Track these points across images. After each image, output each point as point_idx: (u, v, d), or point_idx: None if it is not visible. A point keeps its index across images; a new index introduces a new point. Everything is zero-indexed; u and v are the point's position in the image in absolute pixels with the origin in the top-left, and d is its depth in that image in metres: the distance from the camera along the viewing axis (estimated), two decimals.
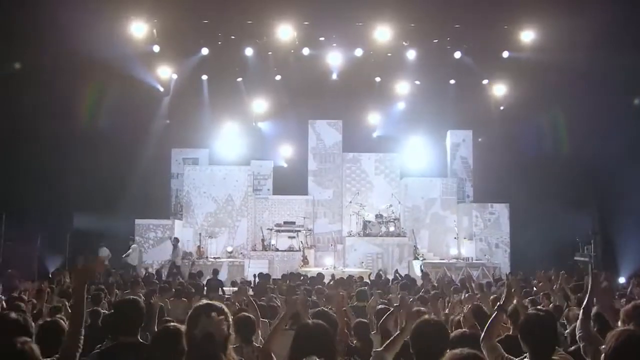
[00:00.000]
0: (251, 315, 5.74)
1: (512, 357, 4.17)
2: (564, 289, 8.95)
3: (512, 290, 4.89)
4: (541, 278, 9.93)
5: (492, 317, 4.57)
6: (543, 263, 18.64)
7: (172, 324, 4.30)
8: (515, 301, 5.58)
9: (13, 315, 4.34)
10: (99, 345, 5.78)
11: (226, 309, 3.45)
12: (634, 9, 17.36)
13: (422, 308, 6.21)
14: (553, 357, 3.99)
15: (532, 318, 4.10)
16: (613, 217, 20.76)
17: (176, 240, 20.58)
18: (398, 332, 4.75)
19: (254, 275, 16.21)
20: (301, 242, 21.46)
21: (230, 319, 3.42)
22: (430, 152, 24.42)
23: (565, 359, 4.16)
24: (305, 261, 20.75)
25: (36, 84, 18.00)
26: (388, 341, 4.70)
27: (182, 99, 23.29)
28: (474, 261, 21.19)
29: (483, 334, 4.39)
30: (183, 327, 3.98)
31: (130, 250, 20.52)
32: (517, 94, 22.51)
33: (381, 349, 4.70)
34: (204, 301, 3.54)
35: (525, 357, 4.06)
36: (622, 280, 17.11)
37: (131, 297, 5.13)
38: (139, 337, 4.69)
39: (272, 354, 4.22)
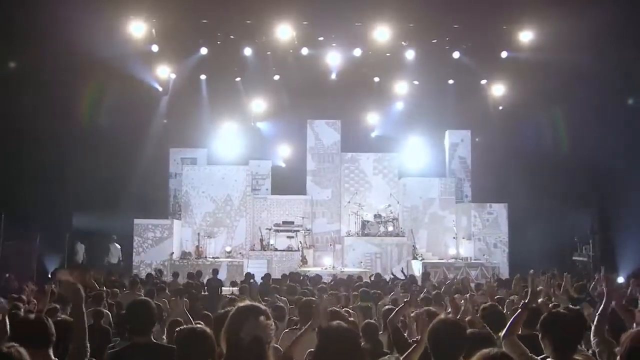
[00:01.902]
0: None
1: (535, 357, 4.17)
2: (567, 291, 8.99)
3: (537, 288, 4.89)
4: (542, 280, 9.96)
5: (516, 315, 4.57)
6: (542, 263, 18.71)
7: (198, 325, 4.32)
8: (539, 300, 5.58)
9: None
10: (111, 345, 5.80)
11: (269, 312, 3.42)
12: (633, 8, 17.42)
13: (432, 308, 6.24)
14: (576, 357, 3.99)
15: (554, 317, 4.09)
16: (612, 217, 20.84)
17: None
18: (415, 343, 4.73)
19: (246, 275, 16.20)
20: (300, 242, 21.46)
21: (273, 323, 3.39)
22: (429, 152, 24.45)
23: (588, 358, 4.16)
24: (304, 261, 20.77)
25: (35, 84, 17.95)
26: (408, 351, 4.68)
27: (180, 99, 23.24)
28: (472, 261, 21.23)
29: (505, 330, 4.39)
30: (207, 329, 3.98)
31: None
32: (516, 94, 22.55)
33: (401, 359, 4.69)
34: (247, 302, 3.49)
35: (546, 356, 4.05)
36: (620, 280, 17.16)
37: (142, 298, 5.18)
38: (152, 338, 4.76)
39: None
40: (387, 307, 7.44)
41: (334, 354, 3.40)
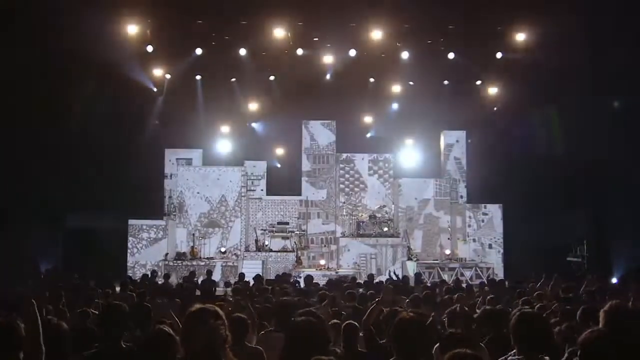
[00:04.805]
0: (244, 317, 5.75)
1: None
2: (557, 291, 9.02)
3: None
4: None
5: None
6: (536, 263, 18.76)
7: (162, 326, 4.30)
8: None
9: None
10: (96, 344, 5.77)
11: (220, 311, 3.43)
12: (625, 10, 17.44)
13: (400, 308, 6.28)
14: (545, 357, 4.00)
15: (523, 317, 4.11)
16: (606, 218, 20.86)
17: None
18: (386, 344, 4.75)
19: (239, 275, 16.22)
20: (295, 242, 21.46)
21: (225, 321, 3.40)
22: (424, 152, 24.43)
23: None
24: (298, 262, 20.77)
25: (29, 83, 17.95)
26: None
27: (175, 99, 23.19)
28: (467, 261, 21.25)
29: None
30: (171, 329, 3.98)
31: None
32: (511, 95, 22.54)
33: None
34: (197, 306, 3.49)
35: (512, 354, 4.07)
36: (614, 280, 17.19)
37: (115, 302, 5.16)
38: (122, 343, 4.74)
39: None
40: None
41: (301, 346, 3.44)
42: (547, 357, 3.94)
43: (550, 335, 4.19)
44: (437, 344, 4.07)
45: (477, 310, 8.53)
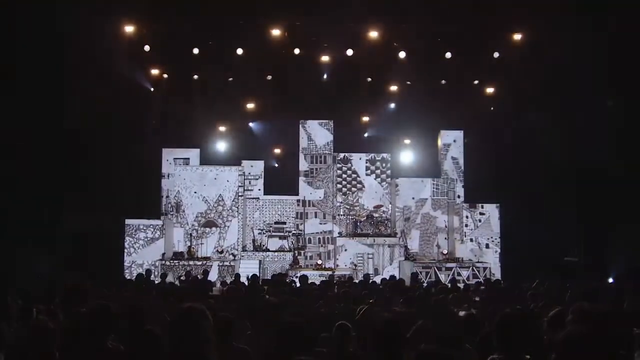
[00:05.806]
0: (231, 316, 5.75)
1: None
2: (552, 292, 9.04)
3: None
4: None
5: None
6: (533, 263, 18.76)
7: (150, 327, 4.30)
8: None
9: None
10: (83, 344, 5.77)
11: (207, 311, 3.43)
12: (622, 11, 17.44)
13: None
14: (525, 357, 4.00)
15: (507, 317, 4.11)
16: (604, 217, 20.83)
17: None
18: None
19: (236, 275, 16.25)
20: (292, 242, 21.48)
21: (212, 321, 3.41)
22: (422, 152, 24.45)
23: None
24: (295, 262, 20.78)
25: (26, 82, 17.94)
26: None
27: (172, 99, 23.19)
28: (464, 261, 21.25)
29: None
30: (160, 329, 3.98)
31: None
32: (508, 95, 22.54)
33: None
34: (185, 305, 3.51)
35: (495, 355, 4.07)
36: (610, 280, 17.18)
37: (102, 302, 5.16)
38: (108, 343, 4.74)
39: None
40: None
41: (289, 346, 3.48)
42: (527, 356, 3.95)
43: (533, 336, 4.19)
44: (423, 345, 4.07)
45: (474, 311, 8.54)
